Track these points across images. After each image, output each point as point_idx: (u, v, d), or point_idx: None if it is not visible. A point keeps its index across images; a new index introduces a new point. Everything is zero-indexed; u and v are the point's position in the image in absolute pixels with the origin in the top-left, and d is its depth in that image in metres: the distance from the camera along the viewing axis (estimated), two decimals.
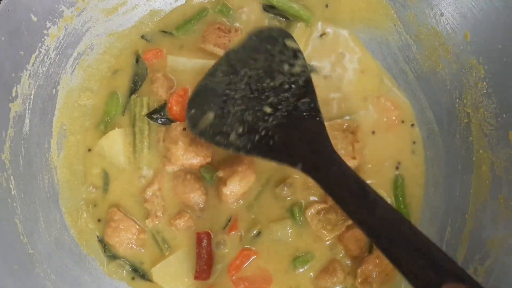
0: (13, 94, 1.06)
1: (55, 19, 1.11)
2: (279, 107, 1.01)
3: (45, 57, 1.12)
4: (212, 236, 1.18)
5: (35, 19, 1.07)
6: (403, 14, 1.24)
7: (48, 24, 1.10)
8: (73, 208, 1.19)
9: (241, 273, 1.17)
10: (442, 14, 1.17)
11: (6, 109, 1.05)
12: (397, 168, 1.23)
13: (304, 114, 1.00)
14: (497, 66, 1.07)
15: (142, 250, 1.19)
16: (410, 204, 1.22)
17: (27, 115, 1.10)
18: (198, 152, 1.17)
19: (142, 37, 1.28)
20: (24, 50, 1.07)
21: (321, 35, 1.28)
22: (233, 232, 1.18)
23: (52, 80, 1.16)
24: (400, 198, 1.21)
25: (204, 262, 1.15)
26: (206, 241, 1.16)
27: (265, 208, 1.20)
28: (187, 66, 1.26)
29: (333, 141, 1.02)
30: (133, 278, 1.19)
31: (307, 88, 1.03)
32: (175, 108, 1.22)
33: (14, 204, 1.05)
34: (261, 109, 1.02)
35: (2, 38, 1.01)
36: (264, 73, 1.06)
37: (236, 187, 1.14)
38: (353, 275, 1.16)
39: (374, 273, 1.13)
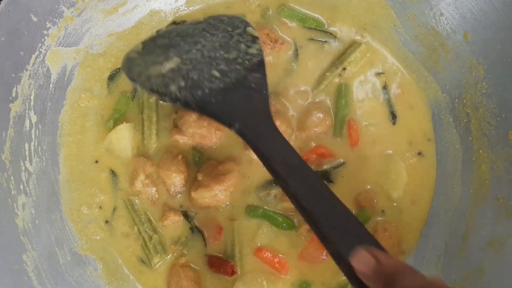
0: (13, 94, 1.06)
1: (55, 19, 1.12)
2: (229, 74, 1.02)
3: (45, 58, 1.12)
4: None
5: (35, 19, 1.07)
6: (403, 14, 1.24)
7: (48, 25, 1.11)
8: (73, 208, 1.18)
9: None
10: (441, 14, 1.17)
11: (6, 109, 1.05)
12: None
13: (252, 85, 1.01)
14: (496, 66, 1.07)
15: None
16: (415, 205, 1.21)
17: (27, 115, 1.10)
18: (211, 122, 1.16)
19: (174, 23, 1.29)
20: (24, 50, 1.07)
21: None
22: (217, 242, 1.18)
23: (52, 81, 1.16)
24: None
25: None
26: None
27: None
28: None
29: None
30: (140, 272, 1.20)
31: (260, 67, 1.05)
32: None
33: (14, 204, 1.05)
34: (209, 72, 1.02)
35: (2, 39, 1.01)
36: (219, 46, 1.07)
37: (203, 200, 1.14)
38: None
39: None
